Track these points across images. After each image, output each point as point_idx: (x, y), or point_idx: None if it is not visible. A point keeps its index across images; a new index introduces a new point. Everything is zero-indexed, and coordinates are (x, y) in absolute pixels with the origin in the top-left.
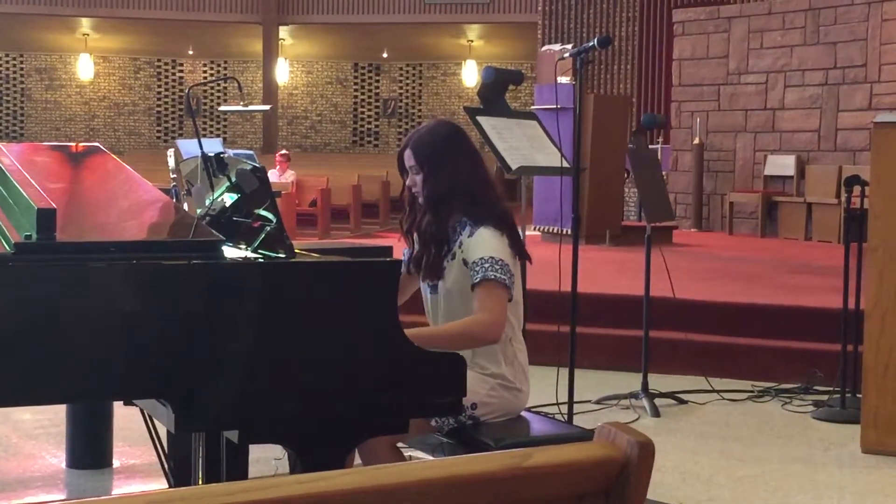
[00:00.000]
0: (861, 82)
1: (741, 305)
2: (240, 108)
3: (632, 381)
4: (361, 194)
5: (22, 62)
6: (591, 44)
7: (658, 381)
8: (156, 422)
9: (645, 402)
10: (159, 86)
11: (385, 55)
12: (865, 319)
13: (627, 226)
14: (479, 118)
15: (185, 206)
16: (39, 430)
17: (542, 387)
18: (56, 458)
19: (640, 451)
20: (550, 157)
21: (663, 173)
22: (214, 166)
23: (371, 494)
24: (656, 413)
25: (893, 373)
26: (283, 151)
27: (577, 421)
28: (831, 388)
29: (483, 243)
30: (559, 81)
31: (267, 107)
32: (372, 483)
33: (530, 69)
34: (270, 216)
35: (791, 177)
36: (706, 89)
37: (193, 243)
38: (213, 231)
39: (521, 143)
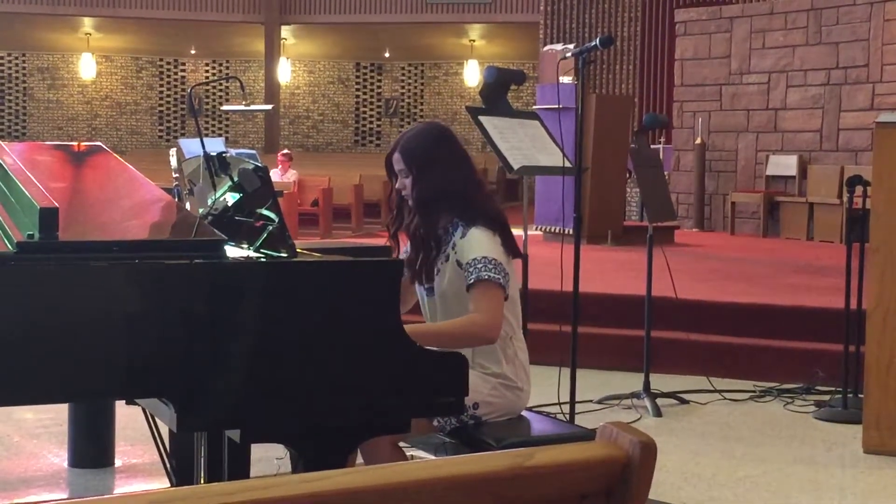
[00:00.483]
0: (863, 82)
1: (743, 305)
2: (242, 107)
3: (634, 381)
4: (363, 194)
5: (24, 61)
6: (593, 44)
7: (660, 381)
8: (158, 421)
9: (647, 402)
10: (161, 85)
11: (387, 55)
12: (867, 319)
13: (629, 226)
14: (482, 118)
15: (188, 206)
16: (42, 430)
17: (544, 386)
18: (58, 457)
19: (642, 450)
20: (552, 156)
21: (665, 173)
22: (216, 166)
23: (372, 494)
24: (658, 413)
25: (895, 373)
26: (285, 151)
27: (579, 421)
28: (833, 389)
29: (476, 244)
30: (561, 81)
31: (269, 106)
32: (373, 483)
33: (532, 69)
34: (272, 216)
35: (793, 177)
36: (708, 89)
37: (196, 243)
38: (216, 230)
39: (523, 143)
